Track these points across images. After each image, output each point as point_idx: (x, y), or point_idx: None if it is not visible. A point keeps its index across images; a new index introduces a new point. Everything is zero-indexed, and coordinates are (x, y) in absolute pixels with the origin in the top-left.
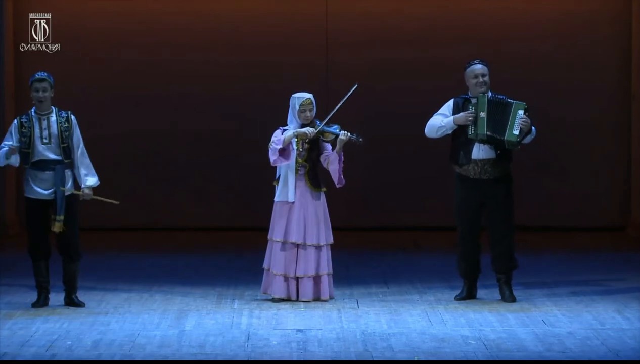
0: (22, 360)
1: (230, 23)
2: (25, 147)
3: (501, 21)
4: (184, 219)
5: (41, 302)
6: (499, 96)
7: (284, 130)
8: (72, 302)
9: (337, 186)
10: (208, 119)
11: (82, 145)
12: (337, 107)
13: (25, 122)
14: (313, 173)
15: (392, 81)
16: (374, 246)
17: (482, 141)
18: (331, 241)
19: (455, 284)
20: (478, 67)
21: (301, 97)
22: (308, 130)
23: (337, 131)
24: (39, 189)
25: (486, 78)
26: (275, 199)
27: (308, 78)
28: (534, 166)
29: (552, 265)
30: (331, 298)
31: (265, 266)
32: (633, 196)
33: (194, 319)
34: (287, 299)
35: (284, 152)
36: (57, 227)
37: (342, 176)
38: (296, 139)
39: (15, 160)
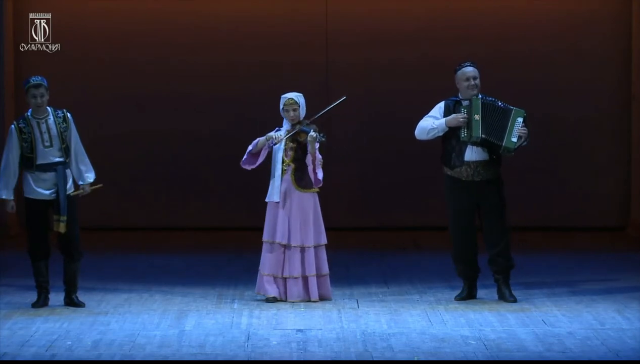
0: (22, 360)
1: (230, 23)
2: (28, 152)
3: (501, 21)
4: (184, 219)
5: (41, 302)
6: (489, 98)
7: (278, 129)
8: (72, 302)
9: (314, 186)
10: (208, 119)
11: (79, 142)
12: (320, 113)
13: (24, 127)
14: (299, 174)
15: (392, 81)
16: (374, 246)
17: (475, 144)
18: (322, 242)
19: (455, 284)
20: (469, 70)
21: (285, 96)
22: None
23: (312, 131)
24: (40, 190)
25: (477, 81)
26: (266, 199)
27: (308, 78)
28: (534, 166)
29: (552, 265)
30: (325, 298)
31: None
32: (633, 196)
33: (194, 319)
34: (280, 300)
35: (255, 154)
36: (62, 227)
37: (318, 177)
38: (275, 141)
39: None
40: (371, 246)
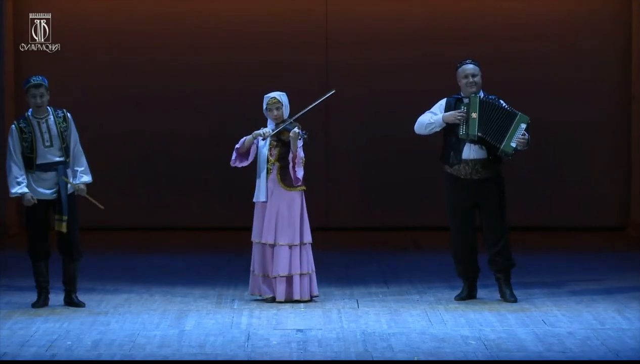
0: (22, 360)
1: (230, 23)
2: (29, 152)
3: (501, 21)
4: (184, 219)
5: (41, 302)
6: (491, 97)
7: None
8: (72, 302)
9: (294, 184)
10: (208, 119)
11: (78, 142)
12: (306, 109)
13: (25, 127)
14: (285, 172)
15: (391, 81)
16: (374, 246)
17: (472, 141)
18: (308, 240)
19: (455, 284)
20: (469, 67)
21: (268, 96)
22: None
23: (295, 129)
24: (40, 190)
25: (477, 78)
26: (253, 199)
27: (308, 78)
28: (534, 166)
29: (552, 265)
30: (313, 296)
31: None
32: (633, 196)
33: (194, 319)
34: (272, 299)
35: (244, 153)
36: (63, 227)
37: (297, 175)
38: (263, 136)
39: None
40: (371, 246)
